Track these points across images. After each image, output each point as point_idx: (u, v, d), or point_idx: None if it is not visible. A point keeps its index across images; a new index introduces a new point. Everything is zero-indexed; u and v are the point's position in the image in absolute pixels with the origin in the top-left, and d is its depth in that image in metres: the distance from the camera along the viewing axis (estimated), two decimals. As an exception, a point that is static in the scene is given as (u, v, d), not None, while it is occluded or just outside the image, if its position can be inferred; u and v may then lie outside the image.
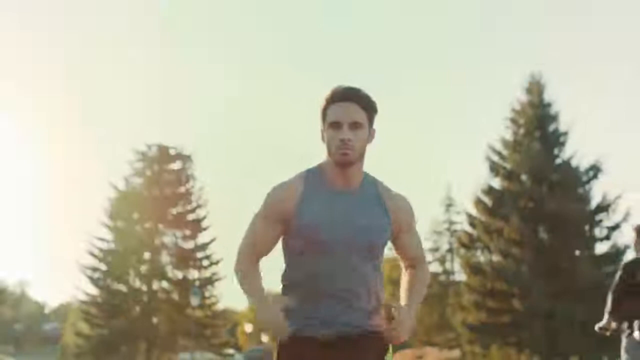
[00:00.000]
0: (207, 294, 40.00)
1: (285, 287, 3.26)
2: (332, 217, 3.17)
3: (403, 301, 3.34)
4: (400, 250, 3.37)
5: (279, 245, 3.28)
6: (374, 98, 3.28)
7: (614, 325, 6.90)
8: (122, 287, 39.47)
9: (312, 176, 3.26)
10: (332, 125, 3.17)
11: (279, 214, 3.21)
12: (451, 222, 44.39)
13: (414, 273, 3.41)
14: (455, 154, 70.06)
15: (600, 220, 32.04)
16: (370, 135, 3.24)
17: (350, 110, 3.16)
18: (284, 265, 3.31)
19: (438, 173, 71.60)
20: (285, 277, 3.28)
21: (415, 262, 3.41)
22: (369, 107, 3.22)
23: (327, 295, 3.16)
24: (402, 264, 3.45)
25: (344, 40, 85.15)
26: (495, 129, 43.87)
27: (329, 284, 3.17)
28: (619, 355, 6.85)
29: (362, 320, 3.20)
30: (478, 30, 78.92)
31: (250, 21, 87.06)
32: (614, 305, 6.84)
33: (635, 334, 6.63)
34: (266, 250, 3.28)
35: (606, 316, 6.95)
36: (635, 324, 6.77)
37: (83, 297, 40.00)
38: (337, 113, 3.17)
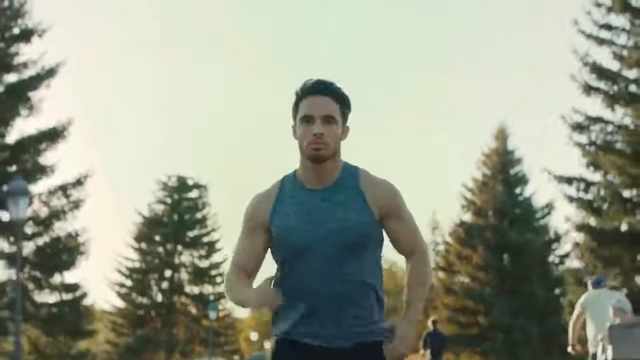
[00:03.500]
0: (220, 307, 48.42)
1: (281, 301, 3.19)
2: (303, 218, 3.16)
3: (405, 302, 3.27)
4: (392, 238, 3.30)
5: None
6: (347, 93, 3.24)
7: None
8: (146, 301, 46.28)
9: (287, 180, 3.27)
10: (304, 119, 3.16)
11: (257, 225, 3.25)
12: (436, 243, 53.01)
13: (411, 269, 3.31)
14: (442, 181, 79.95)
15: (555, 249, 40.75)
16: (344, 132, 3.23)
17: (323, 104, 3.15)
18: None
19: (425, 198, 78.84)
20: (276, 287, 3.22)
21: (410, 250, 3.31)
22: (343, 102, 3.21)
23: (316, 303, 3.14)
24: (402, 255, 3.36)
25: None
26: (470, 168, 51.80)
27: (314, 291, 3.14)
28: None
29: (356, 329, 3.18)
30: (461, 70, 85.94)
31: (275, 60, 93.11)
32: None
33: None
34: (255, 265, 3.29)
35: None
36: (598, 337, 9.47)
37: (111, 309, 47.85)
38: (310, 107, 3.15)
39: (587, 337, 10.00)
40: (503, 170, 40.73)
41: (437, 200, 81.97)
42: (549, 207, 40.45)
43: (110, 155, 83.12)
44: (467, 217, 41.42)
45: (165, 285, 46.94)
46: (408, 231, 3.30)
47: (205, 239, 48.12)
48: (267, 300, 3.05)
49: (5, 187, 22.51)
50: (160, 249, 47.32)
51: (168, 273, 47.00)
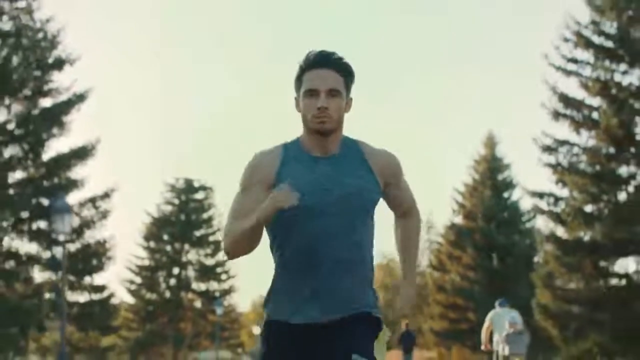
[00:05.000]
0: (225, 302, 52.26)
1: (278, 266, 3.33)
2: (312, 182, 3.23)
3: (400, 260, 3.58)
4: (391, 203, 3.50)
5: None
6: (351, 63, 3.31)
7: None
8: (155, 297, 49.58)
9: (291, 146, 3.34)
10: (308, 92, 3.23)
11: (260, 181, 3.27)
12: (431, 242, 57.16)
13: (405, 226, 3.57)
14: (440, 182, 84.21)
15: (540, 251, 44.80)
16: (347, 104, 3.30)
17: (327, 77, 3.22)
18: (271, 246, 3.36)
19: (422, 198, 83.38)
20: (277, 256, 3.34)
21: (407, 210, 3.55)
22: (347, 74, 3.28)
23: (325, 264, 3.22)
24: (393, 213, 3.57)
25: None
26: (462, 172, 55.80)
27: (323, 253, 3.22)
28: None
29: (357, 295, 3.29)
30: (452, 78, 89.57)
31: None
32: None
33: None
34: None
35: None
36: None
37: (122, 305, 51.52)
38: (314, 80, 3.22)
39: (492, 340, 15.44)
40: (491, 176, 44.80)
41: (434, 200, 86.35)
42: (535, 210, 44.47)
43: (116, 157, 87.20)
44: (458, 219, 45.53)
45: (173, 282, 50.34)
46: (407, 195, 3.51)
47: (211, 238, 51.30)
48: (284, 198, 3.08)
49: (48, 201, 26.81)
50: (169, 248, 50.63)
51: (176, 270, 50.40)
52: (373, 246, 3.39)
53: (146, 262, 50.54)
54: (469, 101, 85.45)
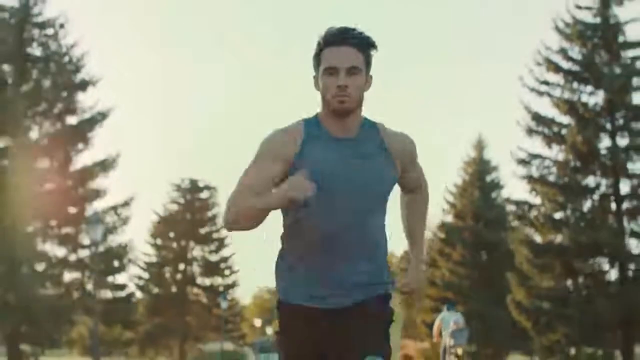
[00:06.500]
0: (229, 297, 55.75)
1: (293, 247, 3.37)
2: (338, 164, 3.25)
3: (407, 238, 3.64)
4: (404, 184, 3.56)
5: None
6: (371, 35, 3.29)
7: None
8: (161, 292, 52.33)
9: (310, 124, 3.32)
10: (327, 70, 3.23)
11: (277, 157, 3.25)
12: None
13: (414, 201, 3.64)
14: (431, 183, 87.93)
15: (525, 247, 49.14)
16: (368, 82, 3.31)
17: (347, 55, 3.22)
18: (286, 226, 3.39)
19: None
20: (292, 237, 3.37)
21: (417, 187, 3.64)
22: (367, 49, 3.28)
23: (344, 248, 3.26)
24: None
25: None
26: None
27: (342, 238, 3.26)
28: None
29: (374, 280, 3.34)
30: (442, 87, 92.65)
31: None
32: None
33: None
34: (265, 191, 3.22)
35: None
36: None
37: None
38: (333, 58, 3.22)
39: (442, 335, 19.75)
40: (480, 177, 49.12)
41: (432, 201, 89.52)
42: (513, 216, 48.78)
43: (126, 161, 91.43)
44: (449, 218, 49.93)
45: (179, 277, 53.28)
46: (420, 175, 3.61)
47: (215, 236, 53.85)
48: (300, 188, 3.08)
49: (76, 210, 31.14)
50: (175, 245, 53.47)
51: (182, 266, 53.31)
52: (386, 237, 3.43)
53: (154, 259, 53.22)
54: (461, 105, 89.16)
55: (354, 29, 3.28)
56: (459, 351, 19.48)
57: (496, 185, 49.53)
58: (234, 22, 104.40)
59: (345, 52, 3.23)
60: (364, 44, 3.28)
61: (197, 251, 54.24)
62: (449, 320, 19.66)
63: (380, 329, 3.36)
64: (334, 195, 3.25)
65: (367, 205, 3.31)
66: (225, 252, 54.36)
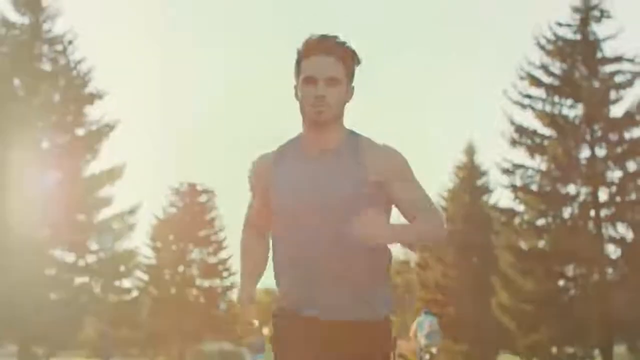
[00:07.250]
0: (226, 298, 55.94)
1: (274, 266, 3.43)
2: (300, 183, 3.24)
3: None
4: (396, 203, 3.34)
5: None
6: (354, 47, 3.21)
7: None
8: (161, 293, 53.53)
9: (289, 144, 3.36)
10: (306, 80, 3.20)
11: (258, 185, 3.41)
12: (417, 243, 62.96)
13: (415, 222, 3.38)
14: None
15: (514, 250, 51.35)
16: (349, 92, 3.27)
17: (326, 65, 3.18)
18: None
19: None
20: (272, 258, 3.45)
21: (415, 215, 3.36)
22: (348, 60, 3.24)
23: (314, 275, 3.22)
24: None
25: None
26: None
27: (311, 263, 3.23)
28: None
29: (354, 305, 3.24)
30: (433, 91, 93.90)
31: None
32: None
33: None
34: (264, 222, 3.47)
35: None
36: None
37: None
38: (312, 68, 3.19)
39: (417, 337, 22.09)
40: (470, 182, 51.38)
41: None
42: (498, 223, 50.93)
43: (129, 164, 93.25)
44: (441, 221, 51.93)
45: (178, 279, 54.23)
46: (417, 196, 3.35)
47: (213, 238, 54.91)
48: (244, 306, 3.45)
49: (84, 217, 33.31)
50: (174, 247, 54.42)
51: (181, 268, 54.36)
52: (381, 251, 3.32)
53: (153, 261, 54.65)
54: (453, 109, 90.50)
55: (335, 38, 3.27)
56: (434, 350, 21.73)
57: (486, 189, 51.74)
58: (238, 38, 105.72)
59: (325, 61, 3.22)
60: (345, 54, 3.26)
61: (195, 253, 55.15)
62: (424, 323, 21.96)
63: None
64: (297, 221, 3.28)
65: (333, 222, 3.25)
66: (223, 255, 55.14)
